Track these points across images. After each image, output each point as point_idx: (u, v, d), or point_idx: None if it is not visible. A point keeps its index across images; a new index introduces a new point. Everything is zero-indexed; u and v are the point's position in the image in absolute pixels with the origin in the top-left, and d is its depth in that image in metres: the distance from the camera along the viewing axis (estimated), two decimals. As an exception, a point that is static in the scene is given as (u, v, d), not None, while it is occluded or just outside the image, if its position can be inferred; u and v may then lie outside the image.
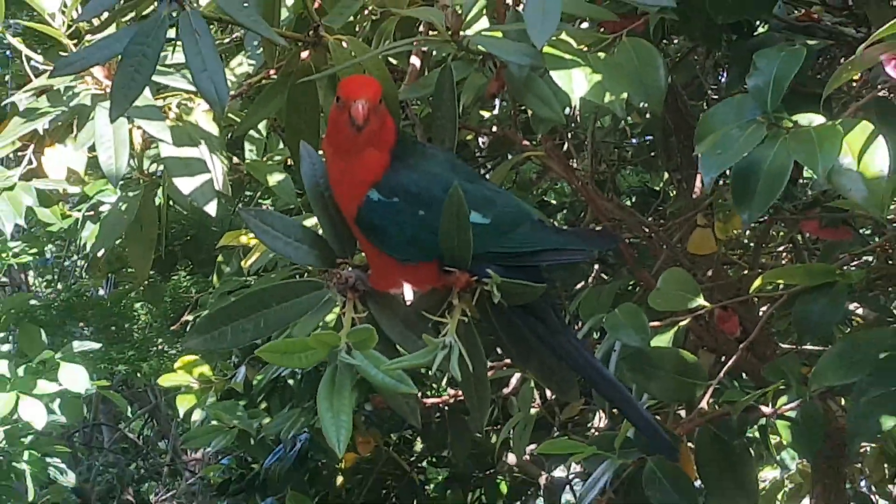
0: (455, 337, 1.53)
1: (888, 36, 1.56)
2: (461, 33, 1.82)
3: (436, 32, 1.85)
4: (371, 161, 1.65)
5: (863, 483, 4.09)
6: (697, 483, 2.18)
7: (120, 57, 1.69)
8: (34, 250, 4.61)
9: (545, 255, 1.69)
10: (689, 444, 2.21)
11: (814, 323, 2.11)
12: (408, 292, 1.74)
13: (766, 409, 2.09)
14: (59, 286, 6.63)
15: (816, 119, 1.69)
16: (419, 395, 1.86)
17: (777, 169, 1.65)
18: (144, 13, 2.00)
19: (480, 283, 1.62)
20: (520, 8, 1.88)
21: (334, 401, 1.44)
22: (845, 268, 2.31)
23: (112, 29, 2.10)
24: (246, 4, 1.91)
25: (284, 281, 1.71)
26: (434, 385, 4.07)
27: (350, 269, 1.69)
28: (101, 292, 6.67)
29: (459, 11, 1.80)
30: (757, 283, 2.22)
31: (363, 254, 1.73)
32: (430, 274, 1.66)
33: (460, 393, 3.68)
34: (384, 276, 1.70)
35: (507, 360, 3.18)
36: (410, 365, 1.49)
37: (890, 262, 2.82)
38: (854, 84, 2.18)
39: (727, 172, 1.71)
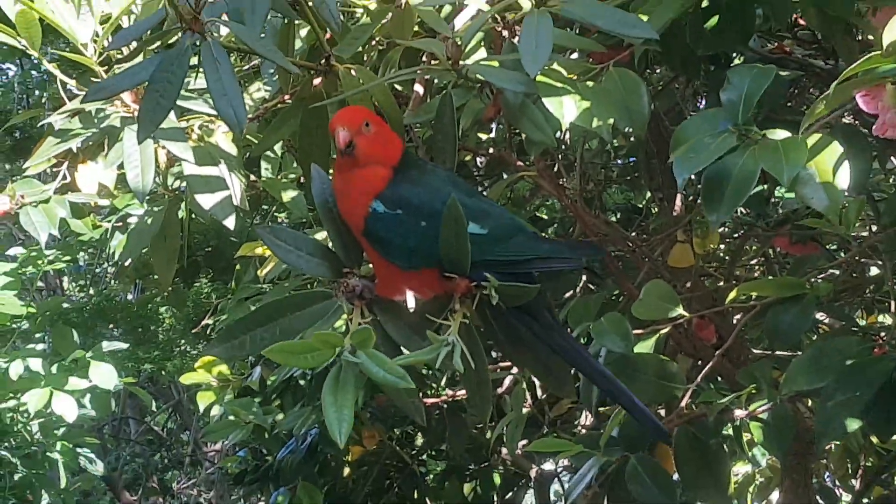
0: (457, 336, 1.54)
1: (861, 72, 1.56)
2: (461, 63, 1.81)
3: (437, 62, 1.84)
4: (372, 175, 1.66)
5: (827, 477, 4.08)
6: (676, 478, 2.18)
7: (146, 83, 1.68)
8: (67, 258, 4.60)
9: (537, 263, 1.69)
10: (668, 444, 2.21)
11: (784, 331, 2.11)
12: (410, 300, 1.73)
13: (740, 412, 2.09)
14: (91, 291, 6.63)
15: (783, 133, 1.69)
16: (420, 394, 1.86)
17: (745, 175, 1.66)
18: (170, 42, 1.99)
19: (479, 288, 1.62)
20: (515, 40, 1.88)
21: (338, 396, 1.44)
22: (813, 281, 2.30)
23: (140, 57, 2.10)
24: (263, 35, 1.91)
25: (297, 292, 1.71)
26: (434, 385, 4.06)
27: (357, 278, 1.69)
28: (130, 297, 6.68)
29: (459, 43, 1.79)
30: (732, 294, 2.22)
31: (370, 265, 1.73)
32: (432, 280, 1.66)
33: (458, 392, 3.70)
34: (389, 284, 1.69)
35: (501, 364, 3.19)
36: (416, 361, 1.50)
37: (854, 275, 2.81)
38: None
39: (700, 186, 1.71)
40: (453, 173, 1.79)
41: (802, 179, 1.63)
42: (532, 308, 1.68)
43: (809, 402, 2.61)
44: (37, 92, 7.37)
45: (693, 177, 1.82)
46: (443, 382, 4.05)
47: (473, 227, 1.61)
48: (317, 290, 1.72)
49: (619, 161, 4.05)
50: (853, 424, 1.86)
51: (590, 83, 1.86)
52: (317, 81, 2.09)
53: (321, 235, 2.06)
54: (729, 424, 2.16)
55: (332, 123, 1.66)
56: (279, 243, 1.70)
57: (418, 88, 2.07)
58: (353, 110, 1.74)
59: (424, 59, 2.10)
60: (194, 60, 1.73)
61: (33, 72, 7.41)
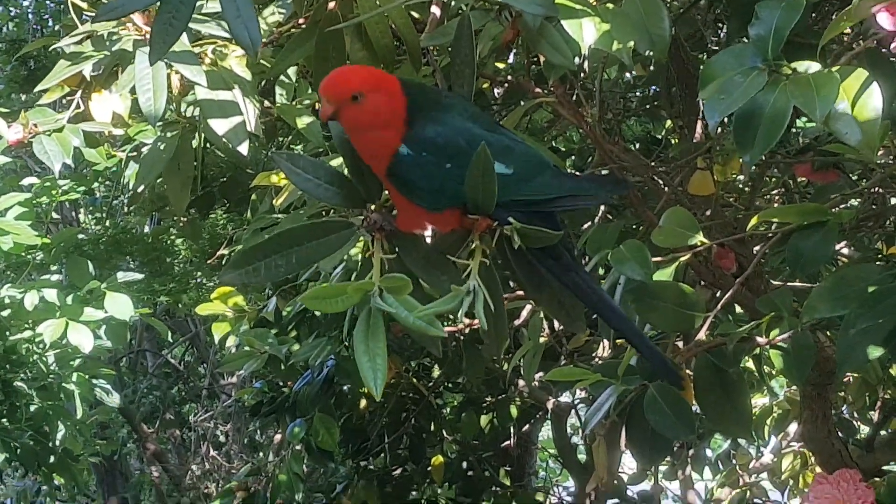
0: (478, 280, 1.52)
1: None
2: (479, -16, 1.79)
3: (455, -17, 1.82)
4: (382, 140, 1.63)
5: (844, 410, 4.08)
6: (695, 409, 2.17)
7: (158, 4, 1.66)
8: (82, 188, 4.59)
9: (563, 202, 1.68)
10: (688, 372, 2.20)
11: (806, 259, 2.09)
12: (430, 230, 1.72)
13: (761, 340, 2.08)
14: (107, 223, 6.62)
15: (814, 66, 1.66)
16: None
17: (777, 113, 1.63)
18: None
19: (500, 225, 1.61)
20: (534, -39, 1.85)
21: (370, 343, 1.43)
22: (835, 209, 2.28)
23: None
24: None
25: (315, 220, 1.69)
26: (450, 316, 4.06)
27: (378, 212, 1.67)
28: (146, 229, 6.67)
29: (477, -37, 1.77)
30: (753, 221, 2.20)
31: (386, 193, 1.71)
32: (455, 219, 1.65)
33: (474, 322, 3.69)
34: (410, 219, 1.68)
35: (520, 293, 3.17)
36: (439, 310, 1.47)
37: (874, 206, 2.79)
38: (845, 37, 2.14)
39: (726, 119, 1.69)
40: (470, 102, 1.77)
41: (834, 114, 1.60)
42: (551, 247, 1.66)
43: (828, 333, 2.59)
44: (51, 22, 7.35)
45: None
46: (479, 313, 4.04)
47: (499, 167, 1.59)
48: (334, 218, 1.70)
49: (637, 91, 4.03)
50: (875, 352, 1.84)
51: (610, 6, 1.83)
52: (332, 4, 2.06)
53: (337, 162, 2.04)
54: (749, 354, 2.15)
55: (320, 90, 1.63)
56: (297, 171, 1.69)
57: (435, 10, 2.05)
58: (343, 76, 1.67)
59: (442, -19, 2.07)
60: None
61: (48, 1, 7.38)
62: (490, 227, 1.62)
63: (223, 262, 4.45)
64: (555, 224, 1.65)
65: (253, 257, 1.63)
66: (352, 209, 1.72)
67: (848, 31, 2.14)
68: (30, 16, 7.80)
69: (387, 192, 1.70)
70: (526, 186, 1.65)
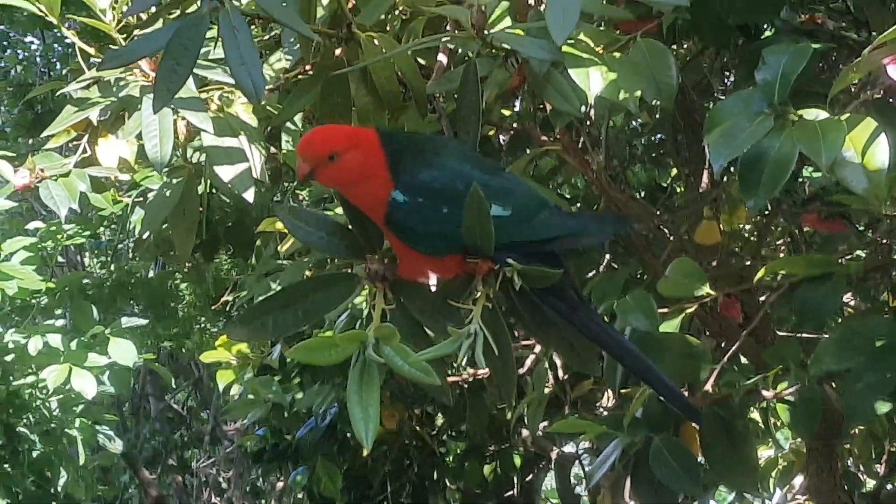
0: (480, 323, 1.51)
1: (891, 40, 1.53)
2: (486, 31, 1.78)
3: (462, 30, 1.81)
4: (369, 192, 1.63)
5: (850, 462, 4.05)
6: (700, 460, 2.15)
7: (163, 51, 1.65)
8: (87, 233, 4.59)
9: (564, 241, 1.65)
10: (694, 424, 2.18)
11: (813, 310, 2.09)
12: (433, 280, 1.71)
13: (767, 393, 2.07)
14: (112, 267, 6.62)
15: (821, 113, 1.66)
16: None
17: (783, 158, 1.63)
18: (189, 10, 1.97)
19: (502, 268, 1.59)
20: (541, 7, 1.85)
21: (363, 394, 1.42)
22: (842, 260, 2.27)
23: (159, 24, 2.08)
24: (284, 3, 1.88)
25: (318, 274, 1.70)
26: (454, 364, 4.05)
27: (378, 261, 1.67)
28: (151, 273, 6.67)
29: (484, 10, 1.77)
30: (761, 273, 2.20)
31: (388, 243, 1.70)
32: (456, 264, 1.63)
33: (478, 372, 3.68)
34: (412, 267, 1.67)
35: (523, 342, 3.16)
36: (437, 355, 1.47)
37: (881, 256, 2.78)
38: (853, 86, 2.14)
39: (732, 167, 1.68)
40: (468, 146, 1.76)
41: (841, 162, 1.60)
42: (556, 287, 1.63)
43: (834, 384, 2.58)
44: (59, 65, 7.38)
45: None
46: (463, 361, 4.04)
47: (496, 209, 1.58)
48: (337, 271, 1.71)
49: (643, 138, 4.03)
50: (883, 407, 1.84)
51: (617, 54, 1.82)
52: (338, 50, 2.06)
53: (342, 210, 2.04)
54: (754, 408, 2.14)
55: (297, 148, 1.64)
56: (298, 223, 1.69)
57: (441, 57, 2.04)
58: (319, 136, 1.67)
59: (448, 27, 2.07)
60: (215, 31, 1.71)
61: (56, 45, 7.41)
62: (492, 270, 1.60)
63: (227, 308, 4.46)
64: (557, 264, 1.61)
65: (259, 313, 1.64)
66: (354, 259, 1.71)
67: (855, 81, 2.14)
68: (38, 59, 7.83)
69: (388, 240, 1.70)
70: (526, 227, 1.63)
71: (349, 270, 1.69)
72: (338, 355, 1.43)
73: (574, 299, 1.68)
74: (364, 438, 1.39)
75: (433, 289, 1.70)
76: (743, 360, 2.76)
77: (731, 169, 1.70)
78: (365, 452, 1.40)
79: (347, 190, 1.66)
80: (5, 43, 8.15)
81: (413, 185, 1.60)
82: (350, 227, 1.70)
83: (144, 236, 3.39)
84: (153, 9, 2.03)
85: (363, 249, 1.69)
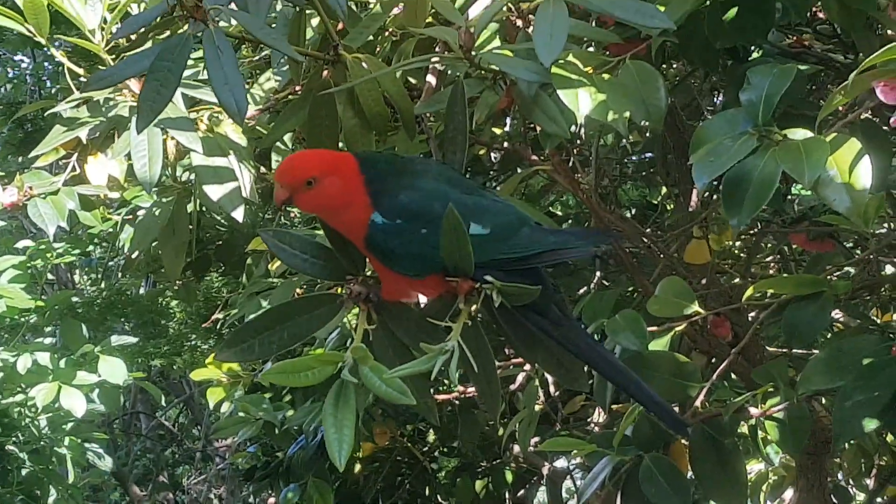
0: (459, 341, 1.51)
1: (878, 63, 1.54)
2: (474, 52, 1.79)
3: (450, 51, 1.81)
4: (348, 217, 1.64)
5: (840, 476, 4.06)
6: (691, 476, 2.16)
7: (146, 72, 1.66)
8: (77, 251, 4.58)
9: (545, 257, 1.64)
10: (684, 442, 2.19)
11: (802, 329, 2.10)
12: (420, 299, 1.71)
13: (755, 411, 2.07)
14: (102, 285, 6.62)
15: (805, 133, 1.66)
16: (432, 391, 1.85)
17: (766, 177, 1.63)
18: (179, 31, 1.97)
19: (483, 287, 1.59)
20: (529, 29, 1.85)
21: (339, 415, 1.43)
22: (831, 278, 2.28)
23: (148, 45, 2.08)
24: (273, 25, 1.88)
25: (303, 296, 1.71)
26: (446, 381, 4.05)
27: (361, 284, 1.68)
28: (141, 291, 6.66)
29: (473, 31, 1.77)
30: (749, 291, 2.20)
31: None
32: (438, 284, 1.63)
33: (469, 389, 3.68)
34: (395, 288, 1.68)
35: (514, 360, 3.17)
36: (411, 372, 1.46)
37: (871, 274, 2.79)
38: (840, 108, 2.15)
39: (721, 186, 1.69)
40: (447, 166, 1.76)
41: (824, 181, 1.60)
42: (539, 304, 1.63)
43: (823, 400, 2.58)
44: (49, 83, 7.37)
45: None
46: (455, 378, 4.04)
47: (475, 228, 1.59)
48: (322, 292, 1.72)
49: (633, 157, 4.04)
50: (871, 424, 1.84)
51: (606, 76, 1.83)
52: (325, 72, 2.06)
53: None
54: (744, 423, 2.14)
55: (275, 174, 1.67)
56: (283, 246, 1.71)
57: (430, 79, 2.05)
58: (297, 162, 1.71)
59: (437, 48, 2.07)
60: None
61: (46, 63, 7.40)
62: (473, 289, 1.60)
63: (218, 326, 4.45)
64: (540, 280, 1.62)
65: (247, 335, 1.65)
66: (337, 281, 1.72)
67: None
68: (28, 77, 7.81)
69: (370, 263, 1.71)
70: (505, 245, 1.63)
71: (337, 291, 1.70)
72: (314, 377, 1.44)
73: (558, 315, 1.67)
74: (337, 458, 1.40)
75: (417, 309, 1.70)
76: (733, 376, 2.77)
77: (720, 188, 1.70)
78: (340, 470, 1.41)
79: (327, 215, 1.68)
80: (-4, 63, 8.16)
81: (391, 207, 1.61)
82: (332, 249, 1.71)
83: (134, 255, 3.39)
84: (142, 30, 2.03)
85: (346, 272, 1.70)
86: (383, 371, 1.43)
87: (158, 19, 1.91)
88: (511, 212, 1.68)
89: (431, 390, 1.78)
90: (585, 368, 1.76)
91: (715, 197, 2.68)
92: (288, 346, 1.65)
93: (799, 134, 1.67)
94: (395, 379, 1.42)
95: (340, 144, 2.06)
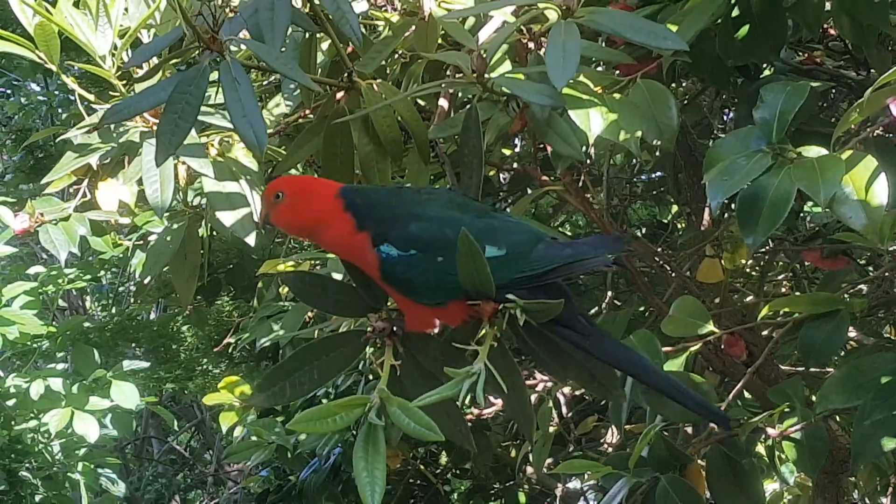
0: (486, 363, 1.50)
1: (894, 80, 1.53)
2: (486, 76, 1.78)
3: (462, 75, 1.81)
4: (332, 234, 1.65)
5: (855, 495, 4.04)
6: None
7: (165, 105, 1.66)
8: (88, 277, 4.59)
9: (563, 270, 1.63)
10: (700, 462, 2.17)
11: (818, 348, 2.08)
12: (441, 326, 1.70)
13: (773, 431, 2.06)
14: (114, 310, 6.63)
15: (819, 150, 1.66)
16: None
17: (781, 196, 1.63)
18: (190, 59, 1.97)
19: (506, 307, 1.58)
20: (541, 52, 1.85)
21: (370, 458, 1.42)
22: (846, 296, 2.27)
23: (159, 74, 2.08)
24: (284, 50, 1.88)
25: (330, 334, 1.71)
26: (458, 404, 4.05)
27: (384, 319, 1.67)
28: (152, 316, 6.67)
29: (484, 55, 1.77)
30: (764, 310, 2.19)
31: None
32: (461, 310, 1.62)
33: (483, 411, 3.67)
34: (418, 319, 1.67)
35: (528, 382, 3.15)
36: (437, 399, 1.45)
37: (887, 292, 2.78)
38: (853, 124, 2.15)
39: (733, 205, 1.68)
40: (455, 192, 1.76)
41: (839, 198, 1.60)
42: (565, 317, 1.61)
43: (838, 418, 2.57)
44: (60, 110, 7.38)
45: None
46: (466, 401, 4.03)
47: (490, 250, 1.57)
48: (347, 331, 1.71)
49: (644, 176, 4.03)
50: (890, 444, 1.83)
51: (617, 96, 1.83)
52: (339, 97, 2.06)
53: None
54: (760, 443, 2.13)
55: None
56: (306, 288, 1.71)
57: (443, 102, 2.04)
58: (273, 182, 1.73)
59: (449, 72, 2.07)
60: (215, 75, 1.71)
61: (57, 91, 7.42)
62: (496, 311, 1.58)
63: (229, 350, 4.45)
64: (562, 294, 1.61)
65: (276, 378, 1.65)
66: (359, 318, 1.72)
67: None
68: (39, 104, 7.82)
69: (391, 296, 1.70)
70: (523, 263, 1.61)
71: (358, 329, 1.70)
72: (341, 422, 1.43)
73: (585, 326, 1.65)
74: (370, 500, 1.38)
75: (441, 338, 1.69)
76: (746, 395, 2.76)
77: (732, 207, 1.69)
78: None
79: (304, 233, 1.71)
80: (8, 91, 8.18)
81: (403, 238, 1.60)
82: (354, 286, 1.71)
83: (146, 281, 3.39)
84: (154, 59, 2.03)
85: (369, 307, 1.69)
86: (413, 411, 1.42)
87: (169, 49, 1.90)
88: (525, 229, 1.67)
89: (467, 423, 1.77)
90: (619, 377, 1.75)
91: (727, 215, 2.66)
92: (318, 385, 1.66)
93: (813, 152, 1.67)
94: (423, 416, 1.41)
95: (357, 171, 2.05)
